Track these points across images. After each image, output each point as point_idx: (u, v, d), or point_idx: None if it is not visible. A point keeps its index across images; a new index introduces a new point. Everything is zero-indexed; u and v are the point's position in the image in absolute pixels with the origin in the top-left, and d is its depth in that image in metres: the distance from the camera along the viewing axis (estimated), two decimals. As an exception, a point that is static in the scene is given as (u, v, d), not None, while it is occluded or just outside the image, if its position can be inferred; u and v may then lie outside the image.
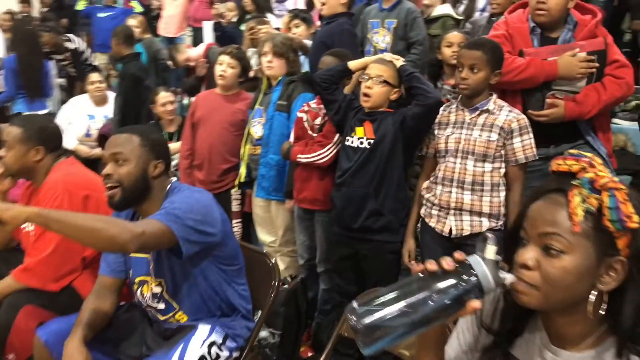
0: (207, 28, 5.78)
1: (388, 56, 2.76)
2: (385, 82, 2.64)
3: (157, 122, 4.55)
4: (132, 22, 6.10)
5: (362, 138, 2.68)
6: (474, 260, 1.05)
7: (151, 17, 7.90)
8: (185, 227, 1.82)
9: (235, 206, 3.72)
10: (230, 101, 3.78)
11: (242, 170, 3.61)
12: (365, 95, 2.66)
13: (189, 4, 7.05)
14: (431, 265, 1.06)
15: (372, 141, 2.65)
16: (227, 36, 5.54)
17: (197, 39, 6.52)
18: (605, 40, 2.75)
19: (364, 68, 2.77)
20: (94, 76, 5.40)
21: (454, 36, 3.34)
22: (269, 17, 5.33)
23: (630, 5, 3.89)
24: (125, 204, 1.98)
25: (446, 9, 4.25)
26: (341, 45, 3.42)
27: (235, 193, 3.73)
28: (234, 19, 5.69)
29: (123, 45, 4.77)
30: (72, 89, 6.12)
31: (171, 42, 6.87)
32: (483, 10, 4.50)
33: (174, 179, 2.12)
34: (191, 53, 4.77)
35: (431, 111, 2.56)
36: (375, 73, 2.65)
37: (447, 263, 1.04)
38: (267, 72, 3.42)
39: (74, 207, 2.23)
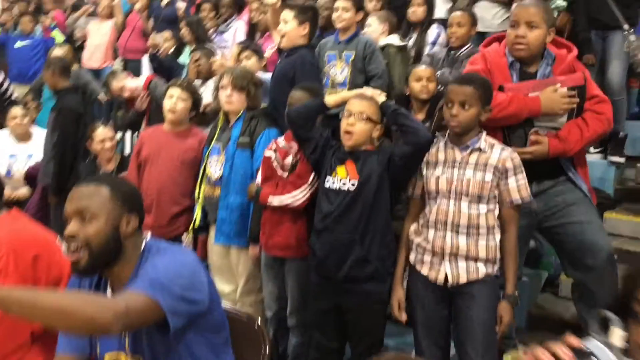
0: (146, 61, 5.44)
1: (369, 91, 2.59)
2: (368, 118, 2.45)
3: (93, 161, 4.15)
4: (58, 52, 5.67)
5: (345, 179, 2.47)
6: (597, 348, 0.84)
7: (74, 48, 7.44)
8: (173, 297, 1.52)
9: (187, 254, 3.38)
10: (180, 137, 3.48)
11: (198, 214, 3.29)
12: (347, 132, 2.46)
13: (116, 33, 6.65)
14: (544, 356, 0.84)
15: (356, 182, 2.44)
16: (164, 68, 5.21)
17: (131, 71, 6.13)
18: (584, 75, 2.70)
19: (343, 104, 2.58)
20: (16, 111, 4.92)
21: (423, 71, 3.23)
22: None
23: (579, 42, 3.97)
24: (93, 269, 1.65)
25: (391, 39, 4.15)
26: (303, 78, 3.22)
27: (186, 239, 3.41)
28: (171, 50, 5.37)
29: (59, 77, 4.36)
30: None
31: (97, 74, 6.45)
32: (434, 43, 4.44)
33: (148, 235, 1.81)
34: (129, 84, 4.41)
35: (421, 150, 2.39)
36: (357, 109, 2.46)
37: (564, 352, 0.83)
38: (227, 107, 3.16)
39: (21, 270, 1.87)
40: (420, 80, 3.20)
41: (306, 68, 3.30)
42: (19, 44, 7.18)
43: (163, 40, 5.24)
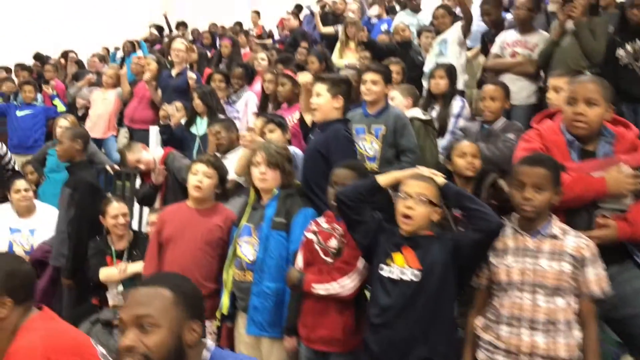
0: (153, 131, 5.28)
1: (425, 171, 2.40)
2: (429, 201, 2.26)
3: (104, 237, 3.91)
4: (63, 122, 5.48)
5: (404, 268, 2.24)
6: None
7: (76, 118, 7.29)
8: None
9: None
10: (205, 216, 3.26)
11: (225, 300, 3.03)
12: (406, 217, 2.26)
13: (120, 103, 6.52)
14: None
15: (418, 272, 2.22)
16: (175, 139, 5.05)
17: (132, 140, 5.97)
18: (648, 155, 2.55)
19: (397, 184, 2.40)
20: (20, 183, 4.68)
21: (468, 146, 3.07)
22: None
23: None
24: (152, 386, 1.40)
25: (415, 113, 4.04)
26: (338, 153, 3.04)
27: (211, 327, 3.14)
28: (182, 121, 5.23)
29: (80, 150, 4.16)
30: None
31: (99, 143, 6.27)
32: (458, 115, 4.34)
33: (210, 343, 1.57)
34: (145, 156, 4.21)
35: (492, 237, 2.19)
36: (416, 191, 2.27)
37: None
38: (260, 185, 2.96)
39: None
40: (465, 156, 3.04)
41: (341, 142, 3.12)
42: (20, 113, 7.01)
43: (175, 111, 5.09)
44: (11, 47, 10.36)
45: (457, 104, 4.38)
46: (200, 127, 5.15)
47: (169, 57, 7.03)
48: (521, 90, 4.38)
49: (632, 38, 4.08)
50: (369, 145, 3.69)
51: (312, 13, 9.23)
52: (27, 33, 10.87)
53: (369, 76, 3.74)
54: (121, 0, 12.54)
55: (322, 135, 3.18)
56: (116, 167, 5.26)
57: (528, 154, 2.53)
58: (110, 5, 12.39)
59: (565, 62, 4.15)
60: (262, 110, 5.53)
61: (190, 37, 11.09)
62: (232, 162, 3.92)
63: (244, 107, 5.68)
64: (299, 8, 10.18)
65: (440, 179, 2.34)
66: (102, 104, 6.45)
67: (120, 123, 6.44)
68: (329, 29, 8.11)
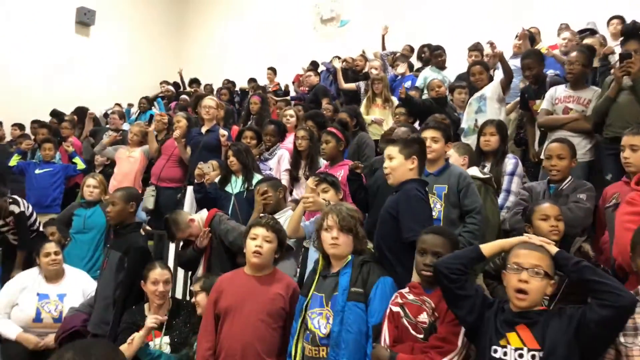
0: (189, 191, 5.09)
1: (536, 239, 2.20)
2: (545, 274, 2.05)
3: (141, 306, 3.65)
4: (91, 181, 5.30)
5: (521, 349, 2.01)
6: None
7: (97, 174, 7.12)
8: None
9: None
10: (266, 284, 3.04)
11: (294, 378, 2.76)
12: (521, 292, 2.04)
13: (146, 161, 6.34)
14: None
15: (537, 354, 1.98)
16: (210, 198, 4.85)
17: (165, 201, 5.75)
18: None
19: (500, 252, 2.19)
20: (50, 246, 4.44)
21: (550, 208, 2.88)
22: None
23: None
24: None
25: (473, 171, 3.86)
26: (406, 215, 2.82)
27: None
28: (217, 179, 5.04)
29: (133, 213, 3.97)
30: (10, 261, 5.04)
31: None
32: (512, 174, 4.16)
33: None
34: (196, 226, 3.98)
35: (624, 315, 1.96)
36: (531, 262, 2.06)
37: None
38: (332, 251, 2.75)
39: None
40: (548, 219, 2.84)
41: (411, 203, 2.89)
42: (39, 170, 6.83)
43: (210, 169, 4.91)
44: (26, 104, 10.27)
45: (510, 161, 4.22)
46: (235, 185, 4.95)
47: (193, 114, 6.96)
48: (577, 147, 4.23)
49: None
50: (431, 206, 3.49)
51: (328, 70, 9.20)
52: (41, 90, 10.78)
53: (428, 133, 3.59)
54: (134, 59, 12.54)
55: (394, 197, 2.99)
56: (148, 227, 5.04)
57: (635, 218, 2.35)
58: (123, 62, 12.40)
59: (623, 118, 4.02)
60: (294, 168, 5.37)
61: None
62: (281, 224, 3.72)
63: (277, 165, 5.51)
64: (315, 65, 10.17)
65: (552, 247, 2.13)
66: (127, 162, 6.26)
67: (145, 181, 6.24)
68: (350, 85, 8.05)
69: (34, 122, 9.19)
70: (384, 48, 8.82)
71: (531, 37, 6.33)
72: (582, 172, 4.16)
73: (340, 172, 4.39)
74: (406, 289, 2.53)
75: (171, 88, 10.68)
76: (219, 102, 6.24)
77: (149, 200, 5.77)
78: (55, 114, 9.42)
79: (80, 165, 7.06)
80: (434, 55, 7.37)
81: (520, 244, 2.17)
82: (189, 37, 13.33)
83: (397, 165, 2.98)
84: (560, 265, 2.09)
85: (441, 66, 7.34)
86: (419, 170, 3.02)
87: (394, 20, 9.55)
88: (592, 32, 7.09)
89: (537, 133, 5.14)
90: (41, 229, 5.29)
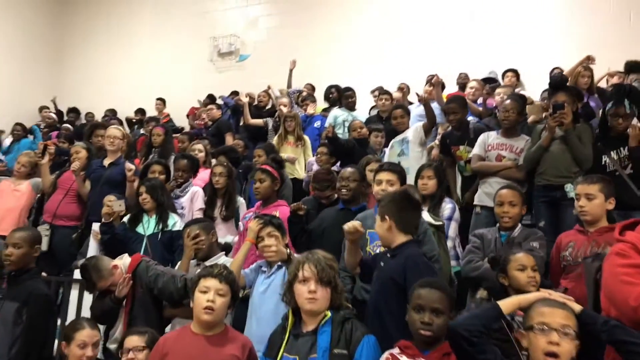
0: (93, 229, 4.42)
1: (556, 295, 2.04)
2: (575, 334, 1.89)
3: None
4: None
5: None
6: None
7: None
8: None
9: None
10: (218, 344, 2.64)
11: None
12: (553, 355, 1.86)
13: (34, 195, 5.56)
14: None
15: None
16: (117, 240, 4.32)
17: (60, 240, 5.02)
18: None
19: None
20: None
21: (526, 258, 2.77)
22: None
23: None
24: None
25: (426, 217, 3.72)
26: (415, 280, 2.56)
27: None
28: (125, 218, 4.49)
29: (35, 258, 3.46)
30: None
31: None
32: (449, 219, 4.07)
33: None
34: (121, 273, 3.45)
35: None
36: (560, 322, 1.90)
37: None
38: (309, 306, 2.42)
39: None
40: (525, 270, 2.74)
41: (422, 272, 2.62)
42: None
43: (121, 207, 4.37)
44: None
45: (447, 205, 4.15)
46: (148, 226, 4.44)
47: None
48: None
49: (616, 146, 4.17)
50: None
51: (227, 104, 8.87)
52: None
53: (384, 176, 3.41)
54: (6, 81, 11.31)
55: (395, 262, 2.70)
56: (44, 274, 4.33)
57: (630, 270, 2.28)
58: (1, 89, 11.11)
59: (557, 167, 4.12)
60: (209, 207, 4.96)
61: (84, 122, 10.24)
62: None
63: (189, 203, 5.06)
64: (212, 98, 9.78)
65: (575, 304, 1.99)
66: (12, 196, 5.44)
67: (35, 219, 5.47)
68: (257, 121, 7.78)
69: None
70: (289, 84, 8.66)
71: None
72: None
73: (276, 213, 4.07)
74: (396, 350, 2.27)
75: (53, 116, 9.73)
76: (125, 132, 5.66)
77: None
78: None
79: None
80: (344, 97, 7.32)
81: (540, 301, 2.00)
82: (68, 64, 12.30)
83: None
84: (586, 324, 1.94)
85: (351, 107, 7.30)
86: (414, 226, 2.81)
87: (291, 58, 9.46)
88: (493, 80, 7.45)
89: (459, 178, 5.18)
90: None
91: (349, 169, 3.94)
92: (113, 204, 4.36)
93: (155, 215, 4.48)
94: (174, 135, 7.22)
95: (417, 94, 5.93)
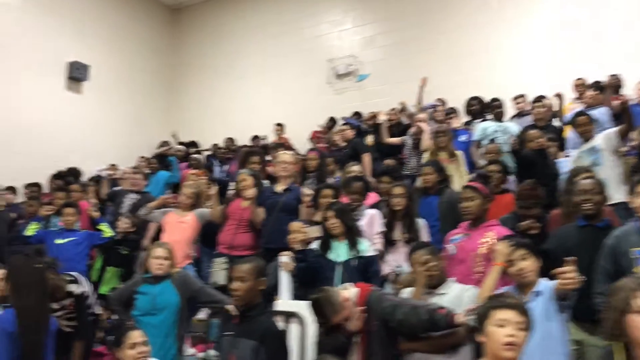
0: (283, 261, 4.26)
1: None
2: None
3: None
4: (160, 252, 4.36)
5: None
6: None
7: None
8: None
9: None
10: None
11: None
12: None
13: (199, 226, 5.49)
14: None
15: None
16: (310, 268, 4.09)
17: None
18: None
19: None
20: (136, 335, 3.53)
21: None
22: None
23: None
24: None
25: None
26: None
27: None
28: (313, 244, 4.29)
29: (259, 292, 3.20)
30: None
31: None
32: None
33: None
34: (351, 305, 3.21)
35: None
36: None
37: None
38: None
39: None
40: None
41: None
42: (60, 240, 5.86)
43: (318, 233, 4.17)
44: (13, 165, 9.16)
45: None
46: (339, 252, 4.22)
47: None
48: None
49: None
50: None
51: (352, 125, 8.65)
52: (23, 148, 9.66)
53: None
54: (127, 117, 11.66)
55: None
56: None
57: None
58: (116, 120, 11.47)
59: None
60: (389, 230, 4.69)
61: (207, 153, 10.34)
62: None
63: (368, 227, 4.80)
64: (333, 121, 9.64)
65: None
66: (177, 229, 5.38)
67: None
68: (394, 140, 7.52)
69: (29, 185, 8.18)
70: (420, 101, 8.36)
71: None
72: None
73: (490, 235, 3.74)
74: None
75: (182, 147, 9.85)
76: (296, 157, 5.52)
77: (219, 275, 4.89)
78: (60, 176, 8.41)
79: (108, 232, 6.13)
80: (492, 107, 6.96)
81: None
82: (184, 95, 12.60)
83: None
84: None
85: (499, 117, 6.92)
86: None
87: (412, 74, 9.19)
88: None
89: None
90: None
91: (589, 181, 3.55)
92: (310, 230, 4.16)
93: (346, 241, 4.25)
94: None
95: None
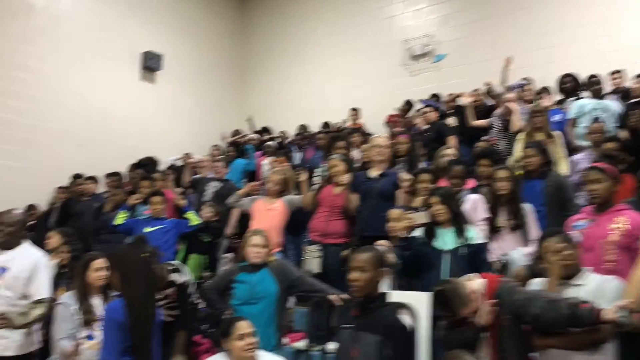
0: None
1: None
2: None
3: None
4: (257, 239, 4.21)
5: None
6: None
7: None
8: None
9: None
10: None
11: None
12: None
13: (288, 213, 5.35)
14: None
15: None
16: (416, 257, 3.86)
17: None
18: None
19: None
20: (243, 325, 3.39)
21: None
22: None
23: None
24: None
25: None
26: None
27: None
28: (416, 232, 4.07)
29: (379, 282, 3.00)
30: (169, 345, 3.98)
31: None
32: None
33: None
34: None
35: None
36: None
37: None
38: None
39: None
40: None
41: None
42: (149, 228, 5.84)
43: (425, 219, 3.94)
44: (90, 155, 9.30)
45: None
46: (446, 239, 3.97)
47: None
48: None
49: None
50: None
51: (433, 107, 8.30)
52: (101, 140, 9.79)
53: None
54: (200, 106, 11.71)
55: None
56: (339, 297, 3.96)
57: None
58: (189, 109, 11.52)
59: None
60: (494, 215, 4.41)
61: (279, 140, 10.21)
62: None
63: (472, 214, 4.52)
64: (409, 104, 9.33)
65: None
66: (266, 216, 5.26)
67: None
68: (481, 122, 7.17)
69: (110, 174, 8.25)
70: (505, 80, 7.95)
71: None
72: None
73: (622, 219, 3.41)
74: None
75: (256, 135, 9.78)
76: (390, 140, 5.30)
77: (313, 263, 4.74)
78: (140, 165, 8.47)
79: (195, 220, 6.08)
80: (589, 83, 6.51)
81: None
82: (255, 83, 12.55)
83: None
84: None
85: (598, 94, 6.47)
86: None
87: (493, 52, 8.77)
88: None
89: None
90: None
91: None
92: (415, 216, 3.93)
93: (452, 228, 4.00)
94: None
95: None
